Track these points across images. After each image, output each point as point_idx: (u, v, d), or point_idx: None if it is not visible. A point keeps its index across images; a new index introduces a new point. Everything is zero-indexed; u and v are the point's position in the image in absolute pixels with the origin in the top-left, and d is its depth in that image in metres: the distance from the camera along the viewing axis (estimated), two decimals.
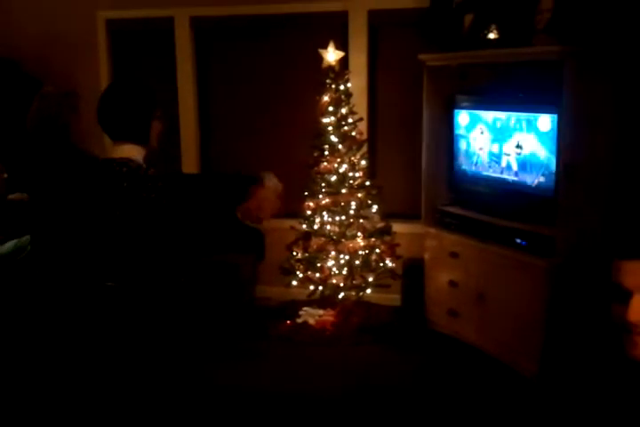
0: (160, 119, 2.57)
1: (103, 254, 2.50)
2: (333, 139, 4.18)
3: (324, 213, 4.24)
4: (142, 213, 2.40)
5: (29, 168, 3.57)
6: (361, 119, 4.27)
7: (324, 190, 4.22)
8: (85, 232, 2.52)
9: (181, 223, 2.55)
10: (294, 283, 4.33)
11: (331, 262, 4.21)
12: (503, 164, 3.78)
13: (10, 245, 3.75)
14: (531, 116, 3.54)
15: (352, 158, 4.21)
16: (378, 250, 4.24)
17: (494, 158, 3.84)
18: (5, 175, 3.77)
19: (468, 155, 4.03)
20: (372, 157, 4.52)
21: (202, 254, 4.13)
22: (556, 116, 3.35)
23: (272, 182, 2.40)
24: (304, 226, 4.30)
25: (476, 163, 3.98)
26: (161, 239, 2.52)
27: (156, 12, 4.86)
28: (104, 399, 2.60)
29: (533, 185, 3.58)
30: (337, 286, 4.22)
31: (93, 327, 2.58)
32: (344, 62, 4.34)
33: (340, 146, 4.18)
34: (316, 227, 4.27)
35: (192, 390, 3.32)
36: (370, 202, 4.24)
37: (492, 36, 3.62)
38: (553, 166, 3.42)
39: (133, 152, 2.50)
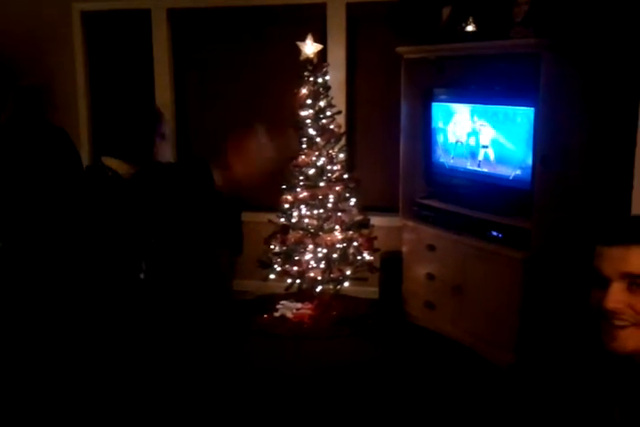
0: (162, 136, 2.53)
1: (76, 249, 2.47)
2: (311, 132, 4.16)
3: (302, 206, 4.23)
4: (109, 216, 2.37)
5: (3, 160, 3.52)
6: (339, 112, 4.27)
7: (301, 184, 4.21)
8: (56, 227, 2.49)
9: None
10: (272, 276, 4.31)
11: (308, 256, 4.20)
12: (480, 157, 3.79)
13: None
14: (508, 108, 3.56)
15: (330, 151, 4.20)
16: (355, 243, 4.24)
17: (471, 151, 3.85)
18: None
19: (446, 148, 4.04)
20: (350, 150, 4.51)
21: (180, 248, 4.11)
22: (532, 109, 3.37)
23: None
24: (282, 219, 4.29)
25: (454, 156, 3.99)
26: (132, 236, 2.49)
27: (132, 3, 4.81)
28: (86, 396, 2.58)
29: (510, 178, 3.60)
30: (315, 279, 4.21)
31: (70, 323, 2.55)
32: (322, 55, 4.32)
33: (318, 139, 4.16)
34: (293, 220, 4.25)
35: (170, 384, 3.30)
36: (348, 195, 4.24)
37: (469, 28, 3.64)
38: (530, 159, 3.44)
39: (121, 167, 2.46)
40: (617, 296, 1.25)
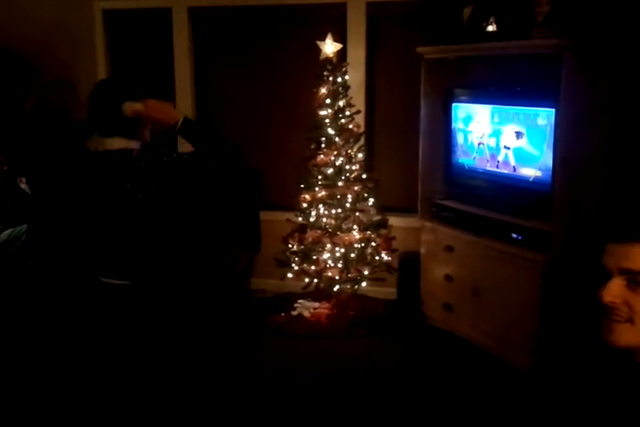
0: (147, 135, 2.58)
1: (100, 249, 2.49)
2: (330, 131, 4.15)
3: (320, 205, 4.23)
4: (141, 206, 2.41)
5: (28, 158, 3.55)
6: (358, 112, 4.25)
7: (320, 183, 4.20)
8: (83, 225, 2.52)
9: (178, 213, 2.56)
10: (289, 275, 4.32)
11: (326, 255, 4.20)
12: (500, 158, 3.76)
13: (4, 235, 3.72)
14: (529, 110, 3.53)
15: (349, 151, 4.19)
16: (374, 243, 4.23)
17: (492, 152, 3.82)
18: (5, 167, 3.75)
19: (466, 149, 4.02)
20: (369, 149, 4.50)
21: (198, 247, 4.13)
22: (553, 110, 3.33)
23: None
24: (300, 218, 4.29)
25: (474, 157, 3.97)
26: (158, 231, 2.52)
27: (153, 2, 4.83)
28: (101, 395, 2.59)
29: (530, 179, 3.57)
30: (332, 278, 4.21)
31: (89, 322, 2.57)
32: (342, 54, 4.31)
33: (336, 138, 4.15)
34: (311, 219, 4.25)
35: (187, 382, 3.32)
36: (366, 195, 4.22)
37: (490, 28, 3.60)
38: (550, 161, 3.40)
39: (129, 144, 2.52)
40: (614, 291, 1.29)
